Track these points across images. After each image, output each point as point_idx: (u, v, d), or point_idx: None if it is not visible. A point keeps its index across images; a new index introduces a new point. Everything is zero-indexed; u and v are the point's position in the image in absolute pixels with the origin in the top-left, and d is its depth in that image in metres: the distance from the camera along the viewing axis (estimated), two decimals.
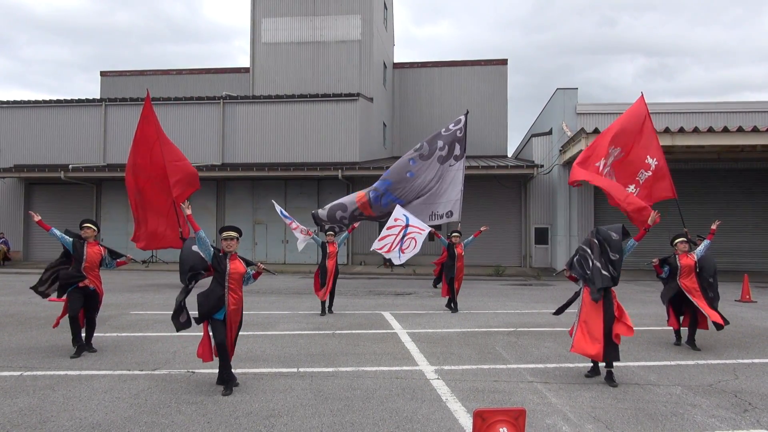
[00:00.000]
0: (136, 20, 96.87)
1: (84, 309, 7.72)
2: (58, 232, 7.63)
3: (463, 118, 13.56)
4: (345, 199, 14.14)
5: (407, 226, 11.89)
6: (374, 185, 13.74)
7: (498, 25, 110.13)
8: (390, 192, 13.40)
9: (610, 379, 6.34)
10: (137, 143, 13.19)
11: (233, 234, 6.13)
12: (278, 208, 12.16)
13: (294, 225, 12.05)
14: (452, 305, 11.80)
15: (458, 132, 13.30)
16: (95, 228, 7.96)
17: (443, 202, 13.07)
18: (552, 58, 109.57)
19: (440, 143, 13.21)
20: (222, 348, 5.88)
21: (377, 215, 13.90)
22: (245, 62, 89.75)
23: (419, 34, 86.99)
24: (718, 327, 8.03)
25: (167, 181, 12.82)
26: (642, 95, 10.69)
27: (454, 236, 12.10)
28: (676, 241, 8.48)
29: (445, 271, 11.98)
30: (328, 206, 14.07)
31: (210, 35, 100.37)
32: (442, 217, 13.06)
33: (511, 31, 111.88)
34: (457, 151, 13.18)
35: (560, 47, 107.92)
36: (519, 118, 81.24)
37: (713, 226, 8.75)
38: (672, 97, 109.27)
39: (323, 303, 11.40)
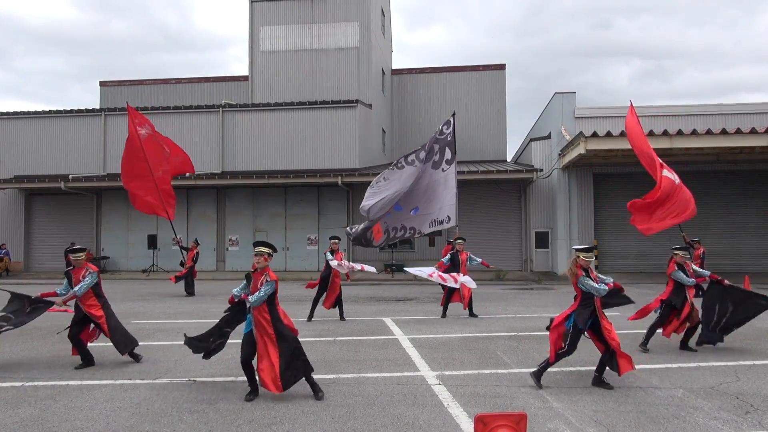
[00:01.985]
0: (131, 30, 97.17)
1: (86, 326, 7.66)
2: None
3: (451, 119, 13.50)
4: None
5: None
6: (385, 218, 13.30)
7: (490, 30, 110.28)
8: (399, 205, 13.21)
9: (601, 383, 6.41)
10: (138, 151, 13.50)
11: (263, 250, 6.09)
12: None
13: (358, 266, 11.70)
14: (471, 310, 11.84)
15: (449, 136, 13.26)
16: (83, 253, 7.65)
17: (441, 208, 13.01)
18: (546, 63, 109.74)
19: (436, 147, 13.16)
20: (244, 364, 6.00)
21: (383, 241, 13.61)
22: (240, 70, 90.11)
23: (411, 39, 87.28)
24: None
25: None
26: (631, 104, 10.70)
27: (459, 243, 12.11)
28: (678, 252, 8.52)
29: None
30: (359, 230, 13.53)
31: (204, 44, 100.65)
32: (441, 222, 12.99)
33: (504, 36, 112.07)
34: (448, 155, 13.11)
35: (554, 51, 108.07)
36: (514, 123, 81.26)
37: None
38: (668, 100, 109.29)
39: (313, 308, 11.47)
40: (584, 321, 6.27)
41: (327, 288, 11.41)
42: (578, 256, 6.38)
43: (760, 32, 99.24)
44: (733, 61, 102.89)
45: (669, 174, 9.44)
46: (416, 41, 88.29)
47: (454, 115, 13.72)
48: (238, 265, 25.47)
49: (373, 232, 13.10)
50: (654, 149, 10.41)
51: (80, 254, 7.54)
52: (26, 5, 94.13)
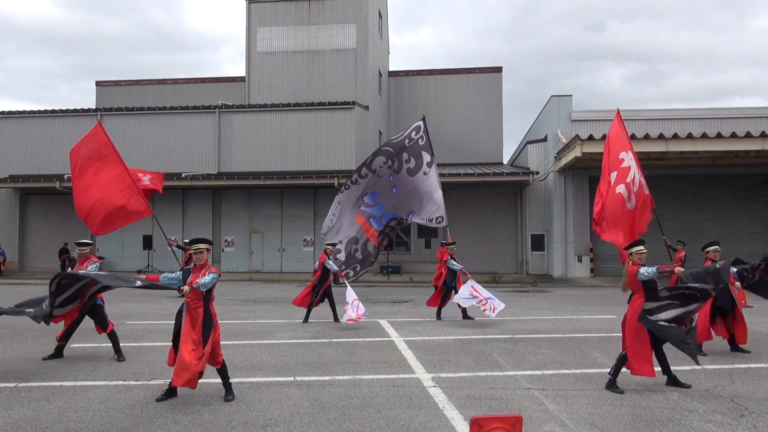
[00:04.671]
0: (122, 30, 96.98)
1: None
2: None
3: (421, 124, 13.48)
4: (350, 230, 13.40)
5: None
6: (369, 211, 13.39)
7: (480, 33, 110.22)
8: (387, 212, 13.29)
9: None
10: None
11: (201, 246, 6.11)
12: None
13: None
14: (466, 313, 11.81)
15: (420, 140, 13.27)
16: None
17: (430, 209, 13.10)
18: (537, 66, 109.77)
19: (405, 155, 13.20)
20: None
21: (380, 242, 13.64)
22: (233, 70, 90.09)
23: (399, 41, 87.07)
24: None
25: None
26: (618, 112, 10.65)
27: (452, 248, 12.17)
28: (710, 249, 8.50)
29: (448, 280, 11.92)
30: (342, 246, 13.41)
31: (197, 44, 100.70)
32: (432, 221, 13.10)
33: (494, 39, 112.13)
34: (427, 158, 13.13)
35: (545, 54, 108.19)
36: (506, 125, 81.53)
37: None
38: (662, 103, 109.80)
39: (309, 310, 11.42)
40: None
41: (321, 288, 11.38)
42: (630, 254, 6.49)
43: (752, 36, 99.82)
44: (725, 65, 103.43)
45: (623, 191, 9.06)
46: (404, 43, 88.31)
47: (424, 118, 13.74)
48: (233, 266, 25.42)
49: (371, 241, 13.22)
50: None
51: (85, 248, 7.91)
52: (14, 3, 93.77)
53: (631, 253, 6.50)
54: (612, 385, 6.38)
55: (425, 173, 12.99)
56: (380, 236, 13.44)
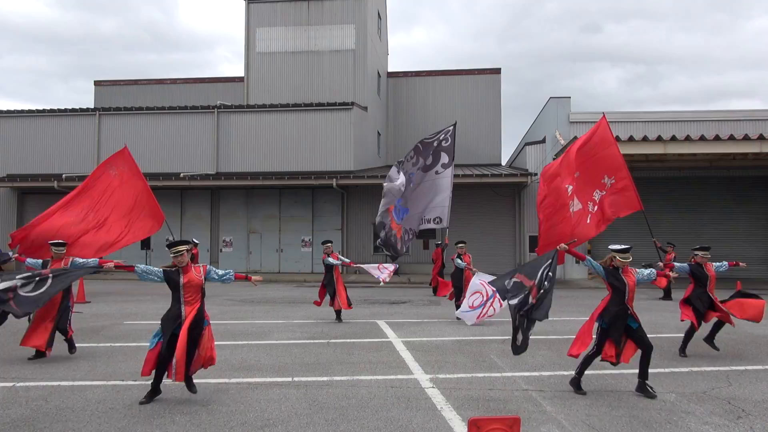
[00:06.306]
0: (117, 29, 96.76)
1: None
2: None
3: (451, 128, 13.68)
4: (385, 215, 13.36)
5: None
6: (398, 206, 13.29)
7: (474, 34, 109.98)
8: (404, 207, 13.23)
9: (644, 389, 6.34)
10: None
11: (181, 249, 6.15)
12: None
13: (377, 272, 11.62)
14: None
15: (444, 142, 13.42)
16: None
17: (431, 208, 13.17)
18: (533, 67, 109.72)
19: (429, 152, 13.31)
20: (162, 358, 5.93)
21: (402, 238, 13.38)
22: (229, 70, 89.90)
23: (392, 42, 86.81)
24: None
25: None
26: (604, 116, 10.53)
27: (461, 247, 12.29)
28: (698, 252, 8.55)
29: (455, 282, 12.33)
30: (383, 234, 13.31)
31: (192, 44, 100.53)
32: (430, 222, 13.15)
33: (489, 40, 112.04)
34: (445, 159, 13.28)
35: (540, 56, 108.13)
36: (502, 126, 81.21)
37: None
38: (657, 105, 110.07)
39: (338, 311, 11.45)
40: (610, 320, 6.36)
41: (334, 291, 11.38)
42: (614, 257, 6.50)
43: (748, 38, 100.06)
44: (721, 67, 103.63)
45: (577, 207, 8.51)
46: (398, 44, 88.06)
47: (455, 125, 13.94)
48: (231, 266, 25.37)
49: (397, 236, 13.07)
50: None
51: (62, 248, 8.02)
52: (8, 2, 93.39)
53: (614, 256, 6.49)
54: (575, 382, 6.42)
55: (437, 172, 13.12)
56: (403, 233, 13.19)
